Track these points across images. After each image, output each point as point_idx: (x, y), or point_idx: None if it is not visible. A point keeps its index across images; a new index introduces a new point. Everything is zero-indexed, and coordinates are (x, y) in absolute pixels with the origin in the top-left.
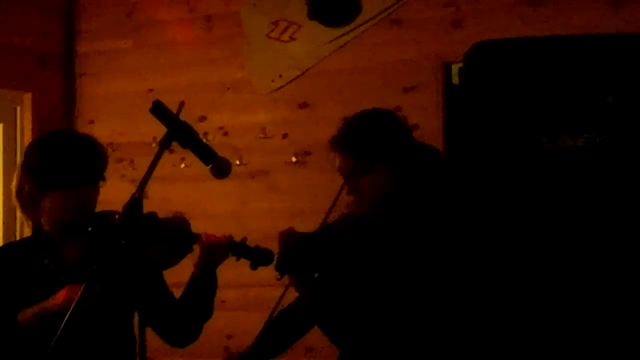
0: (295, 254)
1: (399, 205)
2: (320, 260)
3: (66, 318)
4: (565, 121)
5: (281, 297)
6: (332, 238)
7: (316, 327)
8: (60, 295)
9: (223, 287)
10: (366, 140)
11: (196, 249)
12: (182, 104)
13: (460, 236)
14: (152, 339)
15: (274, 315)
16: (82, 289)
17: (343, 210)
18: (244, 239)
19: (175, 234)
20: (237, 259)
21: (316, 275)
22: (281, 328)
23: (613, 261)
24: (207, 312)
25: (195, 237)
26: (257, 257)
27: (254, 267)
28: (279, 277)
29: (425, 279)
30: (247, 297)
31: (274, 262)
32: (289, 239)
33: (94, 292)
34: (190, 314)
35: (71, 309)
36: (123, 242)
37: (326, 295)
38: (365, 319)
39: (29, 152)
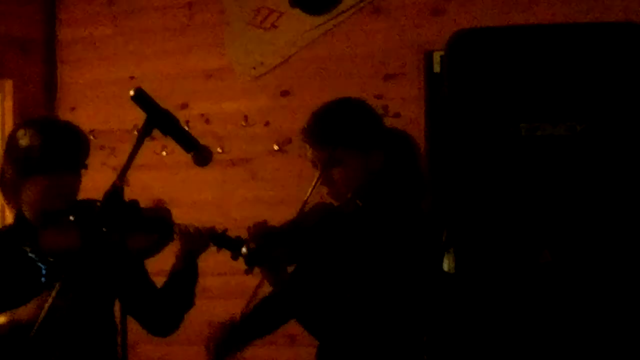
0: (264, 247)
1: (372, 195)
2: (292, 252)
3: (40, 319)
4: (546, 109)
5: (257, 286)
6: (302, 230)
7: None
8: (32, 306)
9: (205, 274)
10: (334, 130)
11: (177, 238)
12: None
13: (432, 227)
14: (134, 326)
15: (250, 304)
16: (54, 293)
17: (323, 200)
18: (225, 230)
19: (156, 223)
20: (218, 250)
21: (288, 267)
22: (263, 314)
23: (595, 250)
24: (188, 302)
25: (176, 227)
26: (238, 247)
27: (234, 257)
28: (248, 270)
29: (396, 270)
30: (229, 285)
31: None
32: (259, 231)
33: (68, 298)
34: (171, 304)
35: (45, 311)
36: (104, 230)
37: (297, 288)
38: (338, 311)
39: (11, 139)
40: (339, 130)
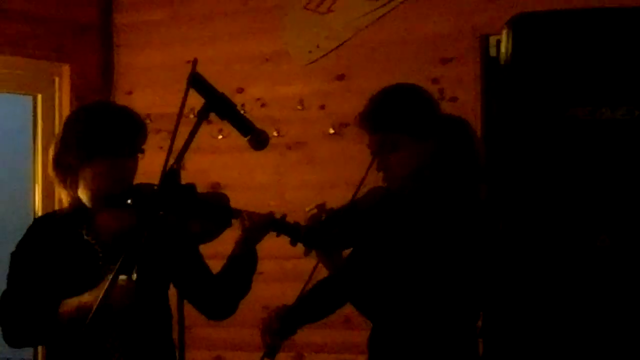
0: (322, 229)
1: (427, 180)
2: (347, 236)
3: (97, 302)
4: (605, 93)
5: (313, 269)
6: (360, 214)
7: None
8: (102, 288)
9: (260, 258)
10: (390, 116)
11: (235, 223)
12: (195, 62)
13: (488, 212)
14: (189, 309)
15: (307, 288)
16: (110, 280)
17: (377, 184)
18: (284, 216)
19: (214, 208)
20: (277, 235)
21: (345, 251)
22: (318, 298)
23: None
24: (245, 287)
25: (235, 213)
26: (296, 233)
27: (293, 243)
28: (306, 252)
29: (450, 255)
30: (284, 269)
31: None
32: (318, 214)
33: (130, 284)
34: (228, 289)
35: (102, 294)
36: (161, 213)
37: (353, 271)
38: (392, 294)
39: (69, 123)
40: (395, 116)
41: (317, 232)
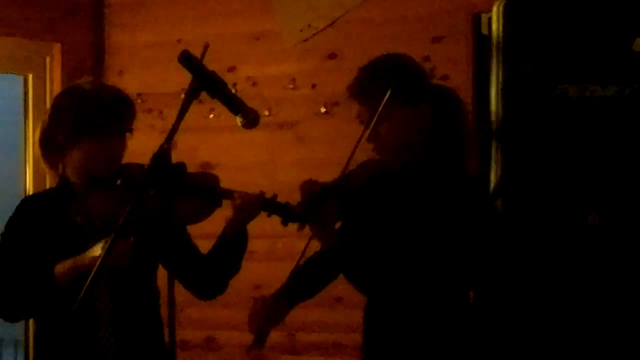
0: (316, 203)
1: (418, 150)
2: (341, 209)
3: (95, 268)
4: (595, 71)
5: (305, 247)
6: (353, 187)
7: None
8: (97, 248)
9: (251, 237)
10: (381, 85)
11: (225, 204)
12: (206, 47)
13: (481, 185)
14: (179, 290)
15: (299, 264)
16: (111, 240)
17: (368, 157)
18: (275, 196)
19: (204, 189)
20: (269, 215)
21: (338, 224)
22: (308, 275)
23: None
24: (235, 267)
25: (226, 194)
26: (287, 213)
27: (285, 223)
28: (300, 227)
29: (442, 227)
30: (275, 248)
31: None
32: (310, 189)
33: (128, 243)
34: (218, 268)
35: (100, 258)
36: (151, 193)
37: (348, 244)
38: (388, 267)
39: (57, 102)
40: (384, 85)
41: (311, 205)
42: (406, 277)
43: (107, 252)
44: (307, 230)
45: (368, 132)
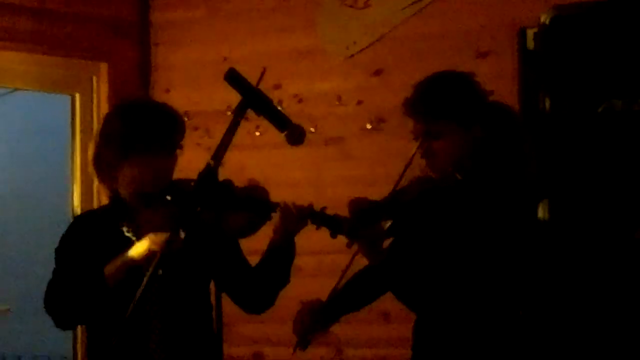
0: (365, 220)
1: (472, 169)
2: (391, 226)
3: (150, 271)
4: None
5: (349, 263)
6: (404, 203)
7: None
8: (143, 244)
9: (299, 253)
10: (437, 102)
11: (274, 217)
12: (264, 71)
13: (532, 203)
14: (228, 305)
15: (341, 283)
16: (151, 270)
17: (419, 174)
18: (324, 208)
19: (252, 202)
20: (317, 228)
21: (388, 241)
22: (356, 288)
23: None
24: (284, 279)
25: (274, 206)
26: (336, 225)
27: (333, 235)
28: (349, 244)
29: (495, 245)
30: (323, 264)
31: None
32: (359, 206)
33: (179, 239)
34: (267, 281)
35: (157, 258)
36: (198, 209)
37: (397, 261)
38: (439, 285)
39: (109, 120)
40: (441, 102)
41: (361, 222)
42: (456, 295)
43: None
44: (354, 246)
45: (419, 149)
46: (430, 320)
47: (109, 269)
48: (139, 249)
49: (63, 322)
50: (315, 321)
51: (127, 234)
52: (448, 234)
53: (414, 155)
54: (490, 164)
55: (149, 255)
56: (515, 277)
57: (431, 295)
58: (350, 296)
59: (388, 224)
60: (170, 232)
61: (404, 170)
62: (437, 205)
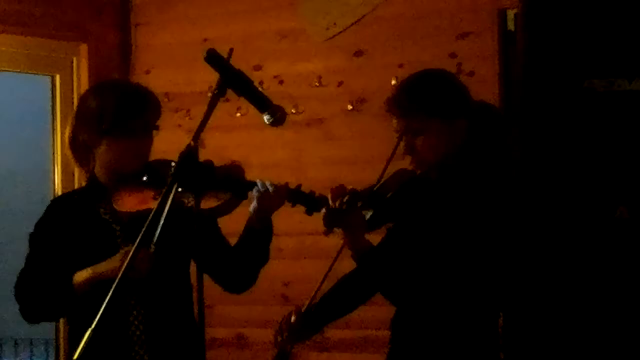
0: (344, 208)
1: (454, 165)
2: (370, 218)
3: (117, 279)
4: (622, 65)
5: (341, 248)
6: (386, 196)
7: None
8: (116, 259)
9: (280, 235)
10: (419, 99)
11: (251, 196)
12: (231, 50)
13: (514, 198)
14: (210, 287)
15: (326, 276)
16: (133, 250)
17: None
18: (299, 186)
19: (229, 182)
20: (293, 205)
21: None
22: (345, 294)
23: None
24: (263, 258)
25: (250, 185)
26: (312, 203)
27: (309, 212)
28: (326, 232)
29: (479, 241)
30: (304, 245)
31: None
32: (340, 194)
33: (148, 254)
34: (246, 260)
35: (122, 270)
36: (179, 190)
37: (379, 255)
38: (419, 280)
39: (84, 101)
40: (423, 99)
41: (339, 211)
42: (436, 291)
43: (129, 266)
44: (326, 235)
45: (400, 146)
46: (410, 314)
47: (78, 278)
48: (109, 264)
49: (28, 317)
50: (294, 337)
51: (104, 216)
52: (430, 230)
53: (394, 151)
54: (473, 161)
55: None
56: (496, 273)
57: (412, 291)
58: (336, 302)
59: (369, 214)
60: (136, 247)
61: (386, 166)
62: (418, 200)
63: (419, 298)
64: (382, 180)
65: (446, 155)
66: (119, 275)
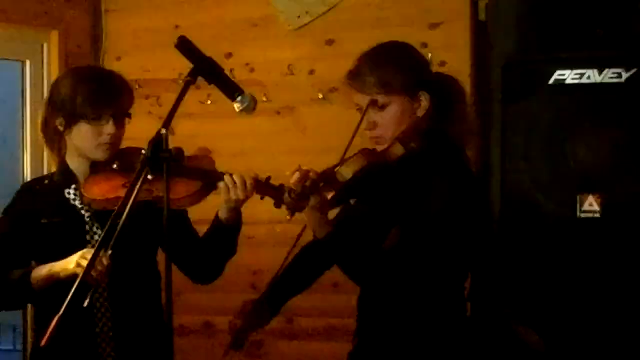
0: (306, 192)
1: (417, 140)
2: (333, 198)
3: (74, 286)
4: (592, 56)
5: (299, 234)
6: (349, 177)
7: None
8: (71, 261)
9: (250, 223)
10: (380, 72)
11: (220, 186)
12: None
13: (478, 177)
14: (178, 274)
15: (292, 251)
16: (92, 255)
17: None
18: (268, 177)
19: (200, 172)
20: (262, 198)
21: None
22: (303, 265)
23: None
24: (230, 250)
25: (220, 175)
26: (280, 195)
27: (277, 205)
28: (288, 216)
29: (443, 217)
30: (274, 233)
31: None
32: (302, 177)
33: (105, 261)
34: (214, 252)
35: (80, 277)
36: (149, 177)
37: (341, 234)
38: (382, 258)
39: (56, 87)
40: (384, 72)
41: (302, 195)
42: (401, 268)
43: (86, 271)
44: (289, 219)
45: (363, 121)
46: (375, 292)
47: (36, 275)
48: (66, 265)
49: None
50: (250, 323)
51: (72, 202)
52: (391, 207)
53: (357, 127)
54: (436, 136)
55: (72, 276)
56: (462, 251)
57: (375, 269)
58: (294, 278)
59: (330, 194)
60: (94, 252)
61: (349, 143)
62: (381, 178)
63: (382, 275)
64: (344, 158)
65: (408, 130)
66: (76, 283)
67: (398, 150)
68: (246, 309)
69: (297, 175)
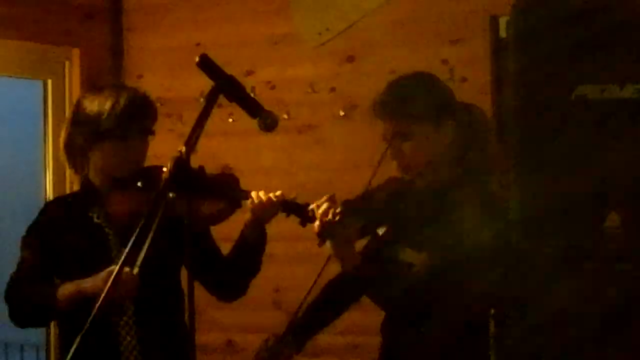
0: (336, 223)
1: (443, 170)
2: (362, 228)
3: (100, 302)
4: (613, 72)
5: (330, 256)
6: (374, 206)
7: None
8: (100, 278)
9: (272, 240)
10: (406, 102)
11: (245, 205)
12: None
13: (503, 201)
14: (200, 292)
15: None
16: (116, 272)
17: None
18: (295, 197)
19: (224, 190)
20: (287, 216)
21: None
22: (331, 300)
23: None
24: (255, 268)
25: (245, 194)
26: (307, 214)
27: (303, 224)
28: (320, 243)
29: (470, 247)
30: (296, 251)
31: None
32: (329, 207)
33: (132, 276)
34: (238, 270)
35: (104, 291)
36: (171, 196)
37: (369, 262)
38: (411, 288)
39: (79, 105)
40: (410, 102)
41: (332, 225)
42: (426, 298)
43: (108, 289)
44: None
45: (389, 150)
46: (400, 319)
47: (62, 291)
48: (94, 283)
49: (16, 321)
50: (279, 352)
51: (96, 220)
52: (417, 237)
53: (382, 157)
54: (460, 165)
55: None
56: (487, 284)
57: (401, 298)
58: (321, 313)
59: (360, 224)
60: (118, 269)
61: (374, 173)
62: (408, 208)
63: (410, 304)
64: (371, 188)
65: (434, 160)
66: (102, 298)
67: (425, 179)
68: (270, 343)
69: (325, 205)
